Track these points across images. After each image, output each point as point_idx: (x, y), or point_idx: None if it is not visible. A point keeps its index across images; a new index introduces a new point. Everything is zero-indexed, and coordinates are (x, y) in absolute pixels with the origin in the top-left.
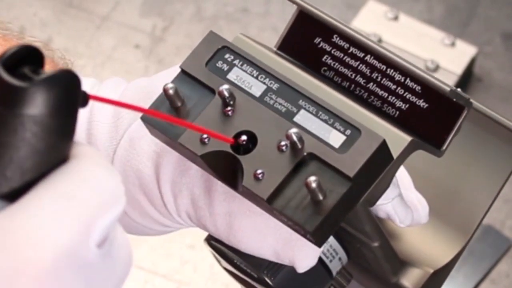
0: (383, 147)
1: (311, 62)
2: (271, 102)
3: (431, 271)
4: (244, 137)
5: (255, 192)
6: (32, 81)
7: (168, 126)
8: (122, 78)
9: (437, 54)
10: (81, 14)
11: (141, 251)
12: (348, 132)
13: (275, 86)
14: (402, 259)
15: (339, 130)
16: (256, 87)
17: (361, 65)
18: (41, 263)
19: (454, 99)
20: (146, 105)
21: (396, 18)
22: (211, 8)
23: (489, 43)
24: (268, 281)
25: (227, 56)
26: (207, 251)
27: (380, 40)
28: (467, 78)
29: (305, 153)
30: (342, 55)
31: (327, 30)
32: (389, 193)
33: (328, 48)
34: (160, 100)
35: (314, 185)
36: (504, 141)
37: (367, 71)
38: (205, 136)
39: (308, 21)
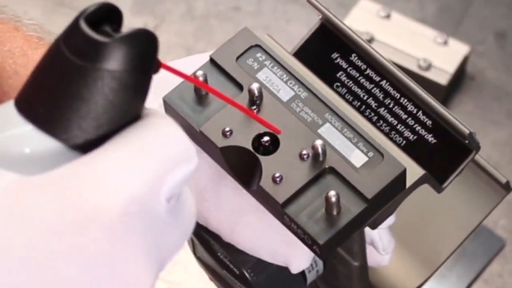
0: (402, 176)
1: (324, 75)
2: (298, 109)
3: None
4: (266, 138)
5: (272, 195)
6: (113, 37)
7: (191, 112)
8: None
9: (430, 53)
10: (72, 13)
11: None
12: (370, 154)
13: (303, 94)
14: (370, 282)
15: (362, 151)
16: (284, 92)
17: (375, 88)
18: (111, 212)
19: (467, 141)
20: (149, 99)
21: (388, 16)
22: (202, 6)
23: (482, 42)
24: (250, 279)
25: (258, 55)
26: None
27: (372, 39)
28: (459, 77)
29: (326, 166)
30: (357, 74)
31: (347, 47)
32: (388, 220)
33: (344, 65)
34: (185, 84)
35: (333, 199)
36: (483, 182)
37: (380, 95)
38: (227, 129)
39: (328, 34)
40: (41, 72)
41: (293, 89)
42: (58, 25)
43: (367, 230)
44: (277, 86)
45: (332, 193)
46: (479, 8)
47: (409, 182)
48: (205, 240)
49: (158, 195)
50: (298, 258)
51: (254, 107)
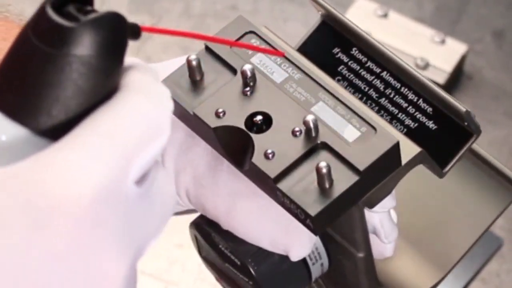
0: (396, 149)
1: (326, 70)
2: (291, 90)
3: None
4: (259, 117)
5: (263, 170)
6: (79, 22)
7: (185, 96)
8: None
9: (427, 52)
10: None
11: None
12: (363, 129)
13: (297, 76)
14: (379, 280)
15: (355, 126)
16: (278, 74)
17: (375, 80)
18: (78, 200)
19: (465, 123)
20: None
21: (385, 15)
22: (199, 5)
23: (480, 41)
24: (251, 269)
25: (253, 40)
26: (195, 251)
27: None
28: (457, 76)
29: (318, 142)
30: (358, 67)
31: (347, 42)
32: (387, 202)
33: (345, 59)
34: (180, 70)
35: (324, 170)
36: (494, 182)
37: (381, 86)
38: (220, 110)
39: (329, 30)
40: (10, 60)
41: (286, 71)
42: None
43: (369, 217)
44: (271, 69)
45: (322, 164)
46: (477, 7)
47: (405, 160)
48: (206, 233)
49: (126, 179)
50: (297, 245)
51: (248, 88)
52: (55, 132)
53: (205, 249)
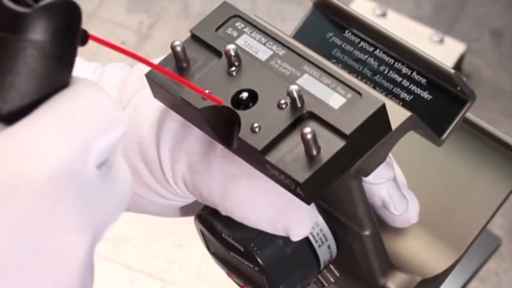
0: (382, 111)
1: (321, 54)
2: (276, 66)
3: (420, 279)
4: (245, 94)
5: (250, 143)
6: (33, 8)
7: (172, 83)
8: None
9: (426, 51)
10: None
11: (127, 250)
12: (349, 95)
13: (281, 52)
14: (392, 263)
15: (340, 93)
16: (263, 52)
17: (369, 58)
18: (38, 177)
19: (458, 87)
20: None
21: (384, 14)
22: (197, 5)
23: (478, 40)
24: (255, 254)
25: (238, 24)
26: (194, 250)
27: None
28: None
29: (304, 111)
30: (352, 49)
31: (340, 26)
32: (383, 171)
33: (339, 42)
34: (167, 59)
35: (309, 136)
36: (505, 158)
37: (374, 64)
38: (206, 91)
39: (322, 16)
40: None
41: (271, 49)
42: None
43: (376, 190)
44: (256, 48)
45: (307, 130)
46: (475, 6)
47: (396, 124)
48: (209, 224)
49: (86, 160)
50: (297, 223)
51: (233, 68)
52: (11, 117)
53: (211, 242)
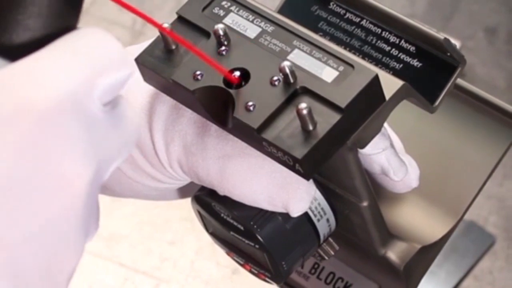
0: (376, 82)
1: (307, 28)
2: (266, 43)
3: (419, 246)
4: (237, 73)
5: (245, 122)
6: None
7: (162, 66)
8: None
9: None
10: None
11: (121, 248)
12: (341, 68)
13: (270, 28)
14: (390, 232)
15: (332, 67)
16: (251, 30)
17: (356, 29)
18: (44, 103)
19: (448, 53)
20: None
21: None
22: None
23: (472, 38)
24: (255, 232)
25: (224, 3)
26: (187, 248)
27: None
28: None
29: (297, 87)
30: (338, 20)
31: None
32: (379, 142)
33: (324, 15)
34: (155, 42)
35: (305, 112)
36: (496, 121)
37: (362, 34)
38: (198, 72)
39: None
40: None
41: (259, 26)
42: None
43: (375, 158)
44: (244, 27)
45: (302, 105)
46: (469, 3)
47: (389, 94)
48: (207, 204)
49: (91, 93)
50: (295, 199)
51: (223, 48)
52: (18, 53)
53: (210, 223)
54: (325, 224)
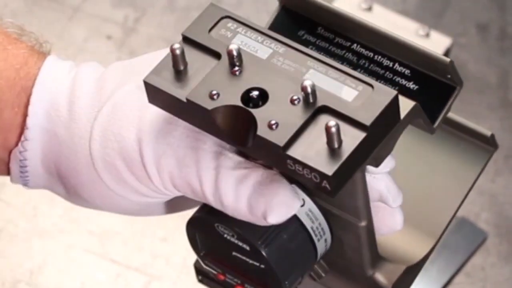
0: (396, 102)
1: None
2: (279, 63)
3: (404, 267)
4: (255, 92)
5: (271, 140)
6: None
7: (173, 86)
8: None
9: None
10: (52, 5)
11: (113, 244)
12: (360, 88)
13: (281, 50)
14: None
15: (350, 86)
16: (262, 51)
17: (347, 53)
18: None
19: (449, 76)
20: (127, 83)
21: (369, 8)
22: None
23: (464, 35)
24: (262, 251)
25: (229, 25)
26: (179, 245)
27: None
28: None
29: (318, 105)
30: (327, 45)
31: (311, 22)
32: (389, 162)
33: (312, 39)
34: (163, 63)
35: (333, 129)
36: (470, 144)
37: (353, 58)
38: (214, 92)
39: (291, 14)
40: None
41: (270, 47)
42: (38, 17)
43: (373, 184)
44: (254, 47)
45: (331, 123)
46: (461, 0)
47: (403, 114)
48: (209, 226)
49: None
50: (274, 204)
51: (236, 68)
52: None
53: (207, 244)
54: (323, 244)
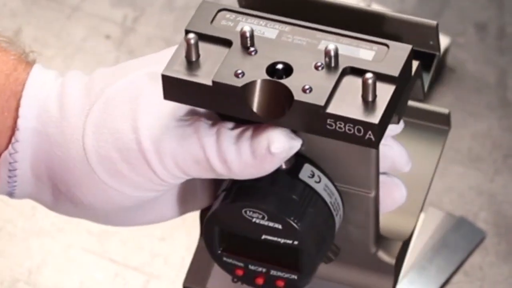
0: (411, 55)
1: None
2: (290, 40)
3: (401, 242)
4: (279, 65)
5: (311, 102)
6: None
7: (193, 75)
8: (93, 69)
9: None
10: (51, 5)
11: (111, 244)
12: (375, 48)
13: (287, 28)
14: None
15: (366, 48)
16: (269, 33)
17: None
18: None
19: (431, 42)
20: (116, 82)
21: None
22: None
23: (462, 34)
24: (296, 226)
25: (228, 15)
26: (178, 244)
27: None
28: (440, 69)
29: (343, 67)
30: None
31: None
32: (399, 125)
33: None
34: (175, 56)
35: (370, 81)
36: (427, 126)
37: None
38: (239, 71)
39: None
40: None
41: (275, 28)
42: (37, 17)
43: (386, 150)
44: (260, 30)
45: (368, 75)
46: None
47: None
48: (236, 213)
49: None
50: (276, 136)
51: (252, 49)
52: None
53: (226, 239)
54: (339, 220)
